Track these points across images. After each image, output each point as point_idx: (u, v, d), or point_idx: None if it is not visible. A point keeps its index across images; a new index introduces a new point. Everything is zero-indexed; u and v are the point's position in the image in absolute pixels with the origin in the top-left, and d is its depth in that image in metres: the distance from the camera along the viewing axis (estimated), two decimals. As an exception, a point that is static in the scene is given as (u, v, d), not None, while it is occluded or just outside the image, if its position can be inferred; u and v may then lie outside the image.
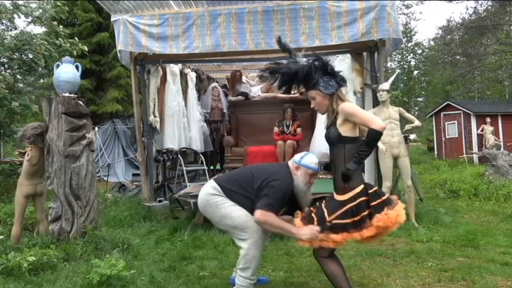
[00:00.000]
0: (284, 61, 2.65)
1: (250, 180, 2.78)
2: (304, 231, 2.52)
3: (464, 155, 13.90)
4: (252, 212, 2.69)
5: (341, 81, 2.59)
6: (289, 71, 2.57)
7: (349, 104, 2.53)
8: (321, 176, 6.22)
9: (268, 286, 3.14)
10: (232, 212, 2.73)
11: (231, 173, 3.23)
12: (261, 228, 2.73)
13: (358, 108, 2.56)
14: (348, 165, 2.43)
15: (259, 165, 3.19)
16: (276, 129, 7.21)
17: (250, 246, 2.69)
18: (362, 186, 2.47)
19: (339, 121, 2.50)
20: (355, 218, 2.40)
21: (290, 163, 2.87)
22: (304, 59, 2.59)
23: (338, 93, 2.55)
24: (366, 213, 2.41)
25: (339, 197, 2.49)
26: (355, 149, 2.48)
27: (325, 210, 2.52)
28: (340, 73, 2.64)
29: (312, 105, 2.67)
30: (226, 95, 8.65)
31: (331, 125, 2.56)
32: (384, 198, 2.48)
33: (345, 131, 2.48)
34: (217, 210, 2.78)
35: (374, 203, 2.42)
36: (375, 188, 2.54)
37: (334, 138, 2.52)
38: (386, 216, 2.38)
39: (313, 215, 2.59)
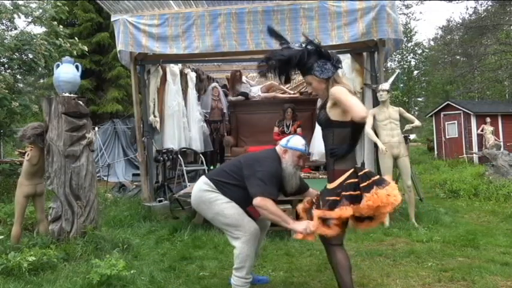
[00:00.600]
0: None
1: (239, 168, 2.79)
2: (300, 225, 2.53)
3: (464, 155, 13.90)
4: (246, 200, 2.69)
5: (337, 63, 2.52)
6: (283, 58, 2.52)
7: (338, 89, 2.42)
8: (321, 176, 6.23)
9: (268, 286, 3.14)
10: (225, 209, 2.74)
11: (220, 166, 3.28)
12: (254, 226, 2.75)
13: (345, 94, 2.39)
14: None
15: (247, 153, 3.21)
16: (276, 129, 7.20)
17: (243, 245, 2.70)
18: (352, 170, 2.46)
19: (328, 104, 2.47)
20: (347, 193, 2.38)
21: (278, 148, 2.88)
22: (297, 44, 2.56)
23: (334, 76, 2.50)
24: (356, 192, 2.38)
25: (330, 186, 2.51)
26: (345, 134, 2.45)
27: (320, 202, 2.55)
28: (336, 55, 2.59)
29: (308, 91, 2.66)
30: (226, 95, 8.65)
31: (321, 108, 2.54)
32: (374, 178, 2.41)
33: (334, 115, 2.45)
34: (210, 207, 2.79)
35: (364, 184, 2.38)
36: (365, 170, 2.50)
37: (323, 122, 2.51)
38: (376, 195, 2.31)
39: (313, 210, 2.60)
